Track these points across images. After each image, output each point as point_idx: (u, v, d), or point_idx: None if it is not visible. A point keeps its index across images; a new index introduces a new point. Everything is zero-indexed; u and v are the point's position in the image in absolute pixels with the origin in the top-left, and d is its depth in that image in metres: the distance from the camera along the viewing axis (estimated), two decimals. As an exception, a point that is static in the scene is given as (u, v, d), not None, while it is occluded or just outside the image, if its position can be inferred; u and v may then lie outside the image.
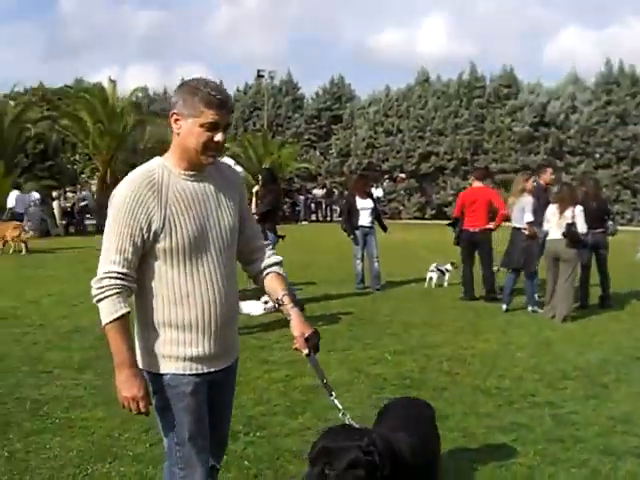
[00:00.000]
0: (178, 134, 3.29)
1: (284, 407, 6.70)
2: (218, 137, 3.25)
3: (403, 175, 49.31)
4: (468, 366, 8.37)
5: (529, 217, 12.05)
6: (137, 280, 3.31)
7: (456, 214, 14.03)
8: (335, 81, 57.48)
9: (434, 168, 48.05)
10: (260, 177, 13.24)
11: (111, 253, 3.23)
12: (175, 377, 3.33)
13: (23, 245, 22.04)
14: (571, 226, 11.40)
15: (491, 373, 8.04)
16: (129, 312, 3.24)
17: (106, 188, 33.19)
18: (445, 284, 15.20)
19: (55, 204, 32.28)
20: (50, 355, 8.70)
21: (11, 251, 21.80)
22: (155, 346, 3.35)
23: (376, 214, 15.23)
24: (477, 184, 14.16)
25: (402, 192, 48.94)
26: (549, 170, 13.71)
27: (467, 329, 10.68)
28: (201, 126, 3.21)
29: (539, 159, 43.19)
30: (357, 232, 14.86)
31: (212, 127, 3.23)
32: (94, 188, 36.31)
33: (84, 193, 34.65)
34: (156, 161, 3.38)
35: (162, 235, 3.24)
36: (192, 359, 3.33)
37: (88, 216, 33.91)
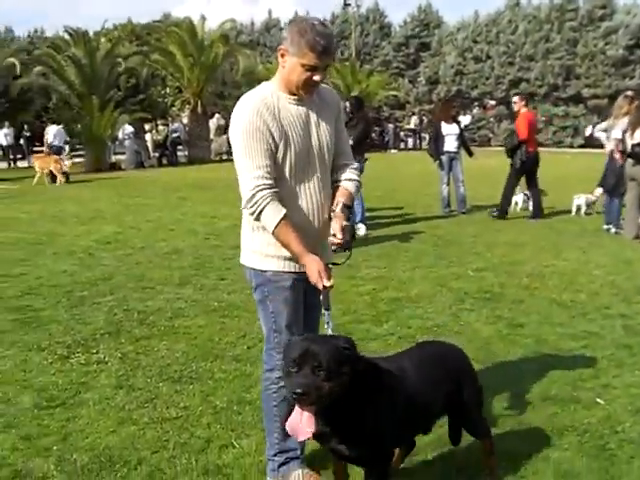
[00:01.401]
0: (283, 67, 3.68)
1: (370, 316, 7.23)
2: (317, 77, 3.64)
3: (493, 102, 48.77)
4: (547, 281, 8.73)
5: (617, 133, 12.14)
6: None
7: (525, 136, 14.13)
8: (423, 8, 56.78)
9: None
10: (348, 105, 13.00)
11: (251, 171, 3.60)
12: (276, 274, 3.81)
13: (64, 176, 23.23)
14: (636, 146, 11.47)
15: (568, 288, 8.38)
16: (287, 214, 3.59)
17: (197, 119, 33.93)
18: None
19: (147, 137, 33.22)
20: (152, 273, 9.39)
21: (57, 182, 22.89)
22: (260, 246, 3.81)
23: (462, 139, 15.43)
24: (525, 109, 14.44)
25: (491, 119, 48.43)
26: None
27: (549, 249, 10.97)
28: (302, 66, 3.59)
29: (634, 83, 42.09)
30: (443, 157, 15.14)
31: (312, 69, 3.60)
32: (185, 120, 37.05)
33: (176, 125, 35.48)
34: (265, 86, 3.80)
35: (280, 149, 3.66)
36: (292, 259, 3.76)
37: (180, 148, 34.75)
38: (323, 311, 3.55)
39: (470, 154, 15.66)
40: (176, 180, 23.24)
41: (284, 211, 3.59)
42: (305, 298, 3.98)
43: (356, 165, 4.10)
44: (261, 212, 3.59)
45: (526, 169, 14.28)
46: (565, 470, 4.11)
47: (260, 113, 3.61)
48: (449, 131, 15.12)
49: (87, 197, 18.76)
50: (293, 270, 3.83)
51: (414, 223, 13.70)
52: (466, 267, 9.55)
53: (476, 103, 49.44)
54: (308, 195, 3.78)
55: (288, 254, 3.73)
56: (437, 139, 15.25)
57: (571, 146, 44.93)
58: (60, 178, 22.90)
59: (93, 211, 15.80)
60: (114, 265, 9.93)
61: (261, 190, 3.57)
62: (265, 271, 3.84)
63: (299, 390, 2.95)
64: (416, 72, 54.43)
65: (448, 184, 15.26)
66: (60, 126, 28.73)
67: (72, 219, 14.53)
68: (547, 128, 46.28)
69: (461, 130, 15.44)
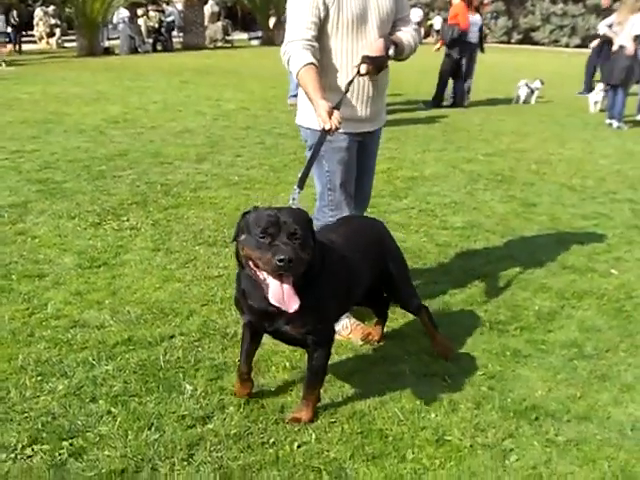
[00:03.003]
0: None
1: (389, 192, 7.52)
2: None
3: (491, -2, 47.99)
4: (554, 168, 9.02)
5: (637, 30, 12.25)
6: None
7: (467, 26, 14.47)
8: None
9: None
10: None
11: (294, 25, 3.83)
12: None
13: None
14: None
15: (576, 174, 8.67)
16: (314, 63, 3.76)
17: (192, 5, 33.30)
18: (532, 101, 15.52)
19: (141, 22, 32.61)
20: (168, 150, 9.51)
21: None
22: (309, 105, 3.90)
23: (481, 32, 15.21)
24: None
25: (488, 15, 47.69)
26: None
27: (553, 139, 11.21)
28: None
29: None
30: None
31: None
32: (179, 6, 36.32)
33: (170, 9, 34.83)
34: None
35: (331, 12, 3.83)
36: (347, 119, 3.89)
37: (174, 34, 34.18)
38: (295, 187, 3.44)
39: (482, 49, 15.47)
40: (175, 65, 23.02)
41: (310, 60, 3.74)
42: (360, 160, 4.20)
43: (416, 27, 4.24)
44: (289, 59, 3.80)
45: (460, 59, 14.58)
46: (588, 326, 4.47)
47: None
48: (474, 21, 14.80)
49: (87, 79, 18.56)
50: (349, 131, 4.00)
51: (420, 111, 13.89)
52: (475, 152, 9.82)
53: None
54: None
55: (345, 114, 3.82)
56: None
57: (567, 46, 44.49)
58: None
59: (96, 92, 15.69)
60: (127, 142, 10.03)
61: (294, 42, 3.78)
62: (311, 129, 4.03)
63: (286, 257, 2.81)
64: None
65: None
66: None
67: (76, 100, 14.45)
68: (544, 26, 45.76)
69: (482, 22, 15.26)
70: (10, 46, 24.87)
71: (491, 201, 7.31)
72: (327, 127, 3.57)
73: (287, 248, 2.85)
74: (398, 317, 4.45)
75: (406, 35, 4.10)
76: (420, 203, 7.12)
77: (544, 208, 7.13)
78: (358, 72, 3.86)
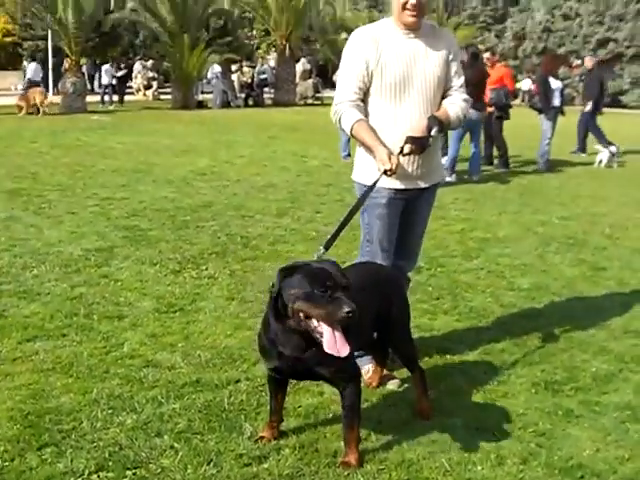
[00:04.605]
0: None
1: (461, 252, 7.68)
2: (412, 0, 4.07)
3: (578, 61, 47.74)
4: (629, 233, 8.99)
5: None
6: None
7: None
8: (513, -40, 55.67)
9: (611, 55, 46.20)
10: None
11: (342, 87, 4.24)
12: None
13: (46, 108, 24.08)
14: None
15: (651, 240, 8.64)
16: (364, 119, 4.14)
17: (285, 62, 34.19)
18: (615, 166, 15.47)
19: (234, 77, 33.58)
20: (250, 204, 9.88)
21: (40, 115, 23.56)
22: (364, 162, 4.33)
23: (562, 96, 15.36)
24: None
25: (576, 78, 47.49)
26: None
27: (632, 204, 11.14)
28: None
29: None
30: (550, 112, 14.97)
31: None
32: (272, 63, 37.28)
33: (264, 67, 35.76)
34: (382, 20, 4.37)
35: (375, 75, 4.16)
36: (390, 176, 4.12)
37: (266, 90, 35.09)
38: (320, 247, 3.60)
39: (562, 112, 15.47)
40: (264, 120, 23.70)
41: (360, 116, 4.13)
42: (405, 218, 4.43)
43: (466, 97, 4.43)
44: (340, 118, 4.18)
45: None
46: (646, 392, 4.50)
47: (361, 43, 4.19)
48: (556, 86, 15.10)
49: (178, 131, 19.32)
50: (388, 187, 4.24)
51: (499, 173, 14.04)
52: (551, 215, 9.87)
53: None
54: (403, 120, 4.18)
55: None
56: (547, 93, 15.01)
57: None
58: (43, 109, 23.83)
59: (186, 144, 16.36)
60: (212, 194, 10.45)
61: (342, 103, 4.17)
62: (365, 185, 4.24)
63: (352, 309, 3.06)
64: (503, 27, 53.55)
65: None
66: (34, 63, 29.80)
67: (166, 151, 15.10)
68: (632, 90, 45.31)
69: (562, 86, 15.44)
70: (51, 96, 26.29)
71: (560, 264, 7.36)
72: (387, 167, 3.91)
73: (349, 301, 3.08)
74: (454, 373, 4.59)
75: (454, 107, 4.32)
76: (490, 264, 7.24)
77: (613, 272, 7.15)
78: (401, 152, 4.08)
